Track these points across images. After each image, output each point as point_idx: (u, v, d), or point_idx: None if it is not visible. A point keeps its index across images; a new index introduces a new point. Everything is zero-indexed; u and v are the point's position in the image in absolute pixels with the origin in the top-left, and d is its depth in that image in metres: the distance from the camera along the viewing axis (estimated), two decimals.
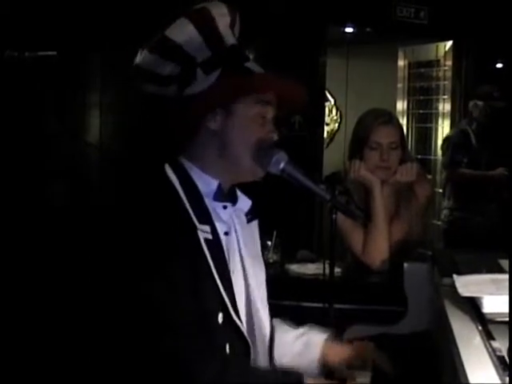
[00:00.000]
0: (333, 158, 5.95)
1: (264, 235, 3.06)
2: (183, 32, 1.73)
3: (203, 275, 1.63)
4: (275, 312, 2.09)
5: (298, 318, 2.13)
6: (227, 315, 1.66)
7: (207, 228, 1.67)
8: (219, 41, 1.75)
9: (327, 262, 2.12)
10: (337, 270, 2.50)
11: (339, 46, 6.55)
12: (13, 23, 4.07)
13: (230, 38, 1.76)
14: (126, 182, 1.79)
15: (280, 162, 1.81)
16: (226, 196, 1.76)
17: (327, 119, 7.29)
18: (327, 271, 2.09)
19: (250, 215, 1.82)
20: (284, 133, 5.04)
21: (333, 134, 7.59)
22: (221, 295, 1.65)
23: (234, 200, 1.78)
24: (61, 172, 4.32)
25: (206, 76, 1.72)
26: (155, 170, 1.75)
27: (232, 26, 1.79)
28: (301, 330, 1.99)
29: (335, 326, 2.06)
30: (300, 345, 1.94)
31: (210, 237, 1.67)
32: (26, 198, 4.08)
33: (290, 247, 3.24)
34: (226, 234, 1.75)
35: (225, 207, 1.75)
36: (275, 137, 1.78)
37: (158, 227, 1.61)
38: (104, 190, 4.29)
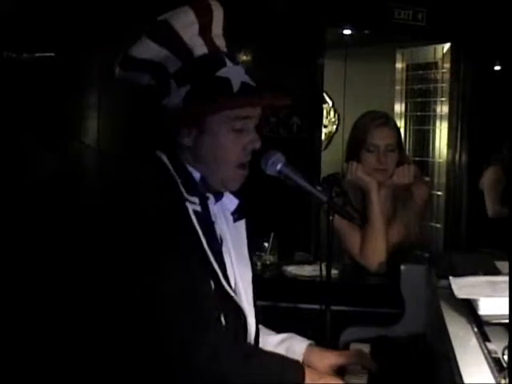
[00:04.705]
0: (330, 160, 5.96)
1: (261, 237, 3.09)
2: (146, 50, 1.70)
3: (193, 246, 1.63)
4: (272, 313, 2.09)
5: (294, 320, 2.13)
6: (218, 285, 1.66)
7: (196, 199, 1.67)
8: (187, 52, 1.70)
9: (324, 263, 2.12)
10: (334, 271, 2.50)
11: (337, 48, 6.55)
12: (11, 24, 4.07)
13: (199, 48, 1.71)
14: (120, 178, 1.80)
15: (277, 164, 1.82)
16: (210, 190, 1.75)
17: (325, 121, 7.29)
18: (324, 273, 2.09)
19: (237, 214, 1.81)
20: (282, 135, 5.04)
21: (331, 136, 7.59)
22: (211, 265, 1.65)
23: (217, 196, 1.76)
24: (58, 173, 4.32)
25: (178, 88, 1.68)
26: (145, 155, 1.75)
27: (203, 32, 1.72)
28: (282, 335, 1.97)
29: (332, 327, 2.06)
30: (282, 350, 1.91)
31: (198, 208, 1.67)
32: (20, 198, 4.08)
33: (287, 249, 3.24)
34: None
35: (207, 198, 1.73)
36: (257, 145, 1.74)
37: (146, 199, 1.61)
38: (102, 191, 4.28)
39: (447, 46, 5.74)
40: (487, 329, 1.54)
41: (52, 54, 4.30)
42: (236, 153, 1.71)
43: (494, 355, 1.39)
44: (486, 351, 1.42)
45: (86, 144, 4.48)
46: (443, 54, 5.80)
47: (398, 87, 6.35)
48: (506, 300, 1.52)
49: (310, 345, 1.94)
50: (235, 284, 1.78)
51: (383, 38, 6.14)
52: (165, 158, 1.70)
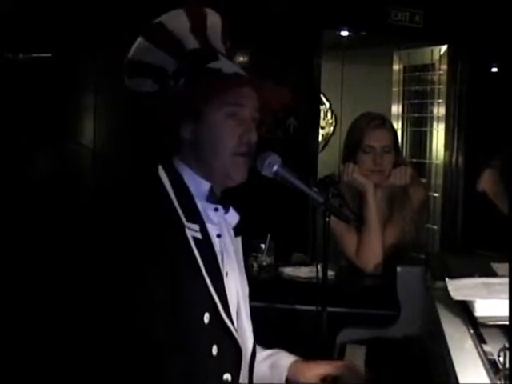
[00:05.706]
0: (327, 162, 5.94)
1: (258, 238, 3.09)
2: (145, 52, 1.73)
3: (190, 273, 1.62)
4: (268, 315, 2.09)
5: (290, 321, 2.12)
6: (216, 316, 1.65)
7: (196, 227, 1.67)
8: (181, 49, 1.73)
9: (320, 265, 2.12)
10: (330, 273, 2.51)
11: (334, 50, 6.55)
12: (7, 24, 4.06)
13: (190, 43, 1.74)
14: (119, 184, 1.80)
15: (273, 165, 1.81)
16: (219, 200, 1.75)
17: (322, 123, 7.29)
18: (320, 274, 2.09)
19: (237, 230, 1.81)
20: (279, 135, 5.02)
21: (328, 138, 7.58)
22: (210, 294, 1.64)
23: (226, 206, 1.76)
24: (55, 174, 4.31)
25: (176, 84, 1.71)
26: (148, 171, 1.74)
27: (195, 31, 1.75)
28: (269, 351, 1.96)
29: (328, 329, 2.06)
30: (266, 366, 1.91)
31: (199, 236, 1.66)
32: (18, 199, 4.07)
33: (283, 250, 3.24)
34: (219, 236, 1.74)
35: (216, 209, 1.73)
36: (253, 137, 1.74)
37: (142, 225, 1.61)
38: (98, 192, 4.28)
39: (444, 47, 5.74)
40: (483, 330, 1.55)
41: (49, 55, 4.29)
42: (232, 142, 1.72)
43: (489, 357, 1.39)
44: (481, 353, 1.42)
45: (82, 145, 4.48)
46: (440, 56, 5.80)
47: (395, 89, 6.35)
48: (502, 302, 1.53)
49: (296, 361, 1.92)
50: (238, 303, 1.78)
51: (380, 40, 6.14)
52: (166, 181, 1.70)
